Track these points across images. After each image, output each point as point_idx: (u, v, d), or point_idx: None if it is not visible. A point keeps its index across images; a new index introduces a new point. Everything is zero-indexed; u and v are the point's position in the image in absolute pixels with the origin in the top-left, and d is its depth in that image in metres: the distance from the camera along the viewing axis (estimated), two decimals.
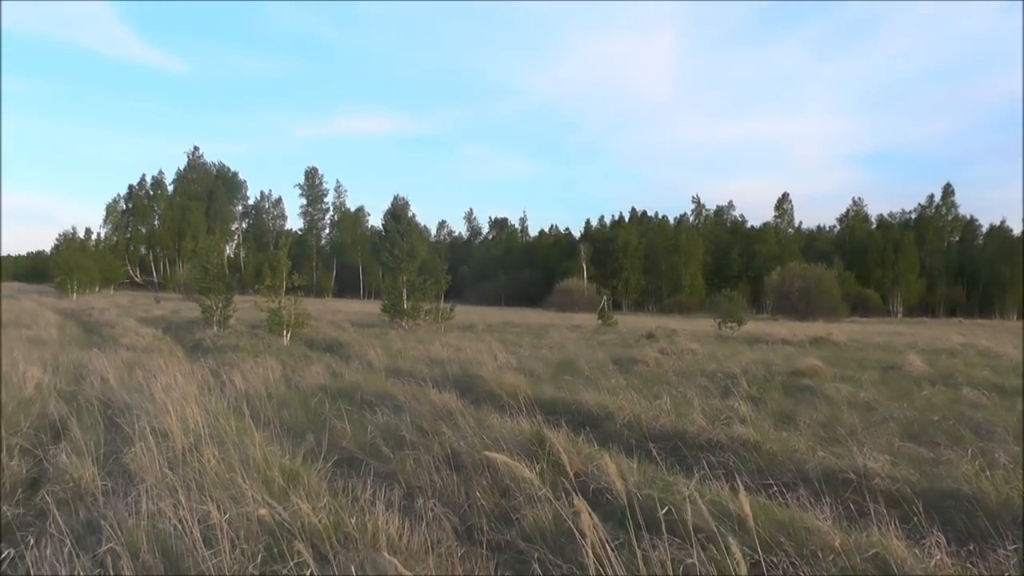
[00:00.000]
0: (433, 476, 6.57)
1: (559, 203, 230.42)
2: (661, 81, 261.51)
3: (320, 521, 4.79)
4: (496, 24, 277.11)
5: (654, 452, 7.56)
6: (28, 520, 5.89)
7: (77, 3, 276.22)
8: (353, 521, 4.88)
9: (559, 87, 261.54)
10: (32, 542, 4.80)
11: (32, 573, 4.42)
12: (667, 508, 4.64)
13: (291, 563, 4.32)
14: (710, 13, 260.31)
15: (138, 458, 6.67)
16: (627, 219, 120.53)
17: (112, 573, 4.32)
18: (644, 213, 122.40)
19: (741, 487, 3.69)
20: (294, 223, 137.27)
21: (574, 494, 3.99)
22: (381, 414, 9.03)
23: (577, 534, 3.78)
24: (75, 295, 71.09)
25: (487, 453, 4.62)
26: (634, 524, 4.36)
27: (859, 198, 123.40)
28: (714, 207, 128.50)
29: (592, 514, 3.60)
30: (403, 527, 4.97)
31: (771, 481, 6.50)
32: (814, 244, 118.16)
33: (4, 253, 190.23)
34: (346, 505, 5.30)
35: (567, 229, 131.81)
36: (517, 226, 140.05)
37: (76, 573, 4.39)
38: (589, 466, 6.54)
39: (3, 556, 4.73)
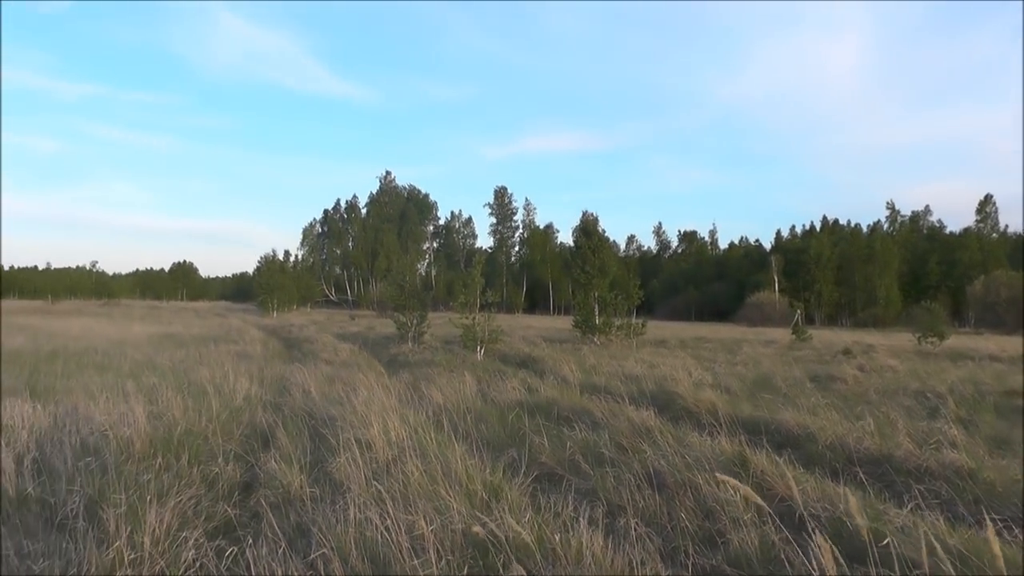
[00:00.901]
0: (634, 495, 6.46)
1: (748, 213, 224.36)
2: (849, 81, 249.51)
3: (525, 537, 4.76)
4: (679, 34, 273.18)
5: (861, 477, 7.12)
6: (244, 521, 6.16)
7: (271, 43, 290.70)
8: (558, 538, 4.83)
9: (744, 93, 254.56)
10: (250, 541, 5.02)
11: (252, 570, 4.60)
12: (886, 540, 4.34)
13: None
14: (899, 5, 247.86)
15: (343, 467, 6.90)
16: (818, 228, 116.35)
17: (323, 574, 4.45)
18: (836, 221, 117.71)
19: (990, 525, 3.29)
20: (484, 241, 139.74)
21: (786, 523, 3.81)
22: (579, 430, 8.99)
23: (786, 563, 3.60)
24: (275, 313, 74.35)
25: (719, 475, 4.45)
26: (846, 556, 4.14)
27: None
28: (909, 212, 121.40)
29: (836, 551, 3.41)
30: (606, 546, 4.90)
31: (995, 516, 5.98)
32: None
33: (212, 275, 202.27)
34: (548, 521, 5.27)
35: (757, 240, 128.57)
36: (706, 238, 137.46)
37: (290, 573, 4.53)
38: (794, 490, 6.28)
39: (227, 553, 4.92)
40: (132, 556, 4.86)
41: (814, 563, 3.59)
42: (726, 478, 4.10)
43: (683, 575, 4.92)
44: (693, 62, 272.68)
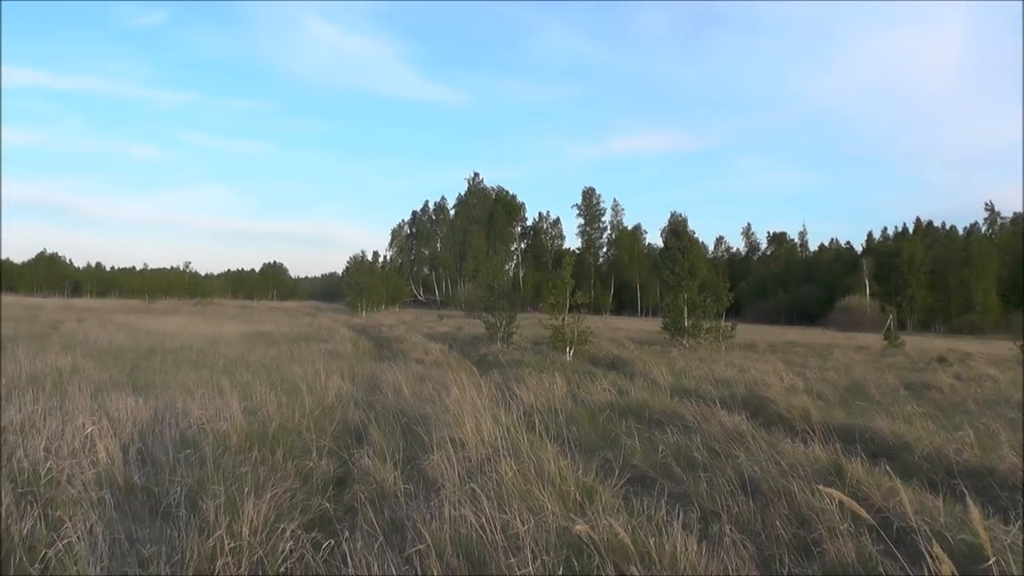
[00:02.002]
0: (728, 500, 6.40)
1: (839, 215, 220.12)
2: (944, 78, 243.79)
3: (623, 538, 4.73)
4: (768, 31, 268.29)
5: (961, 489, 6.81)
6: (339, 515, 6.26)
7: (360, 49, 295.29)
8: (652, 541, 4.79)
9: (836, 91, 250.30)
10: (346, 535, 5.10)
11: (349, 562, 4.68)
12: (992, 559, 4.19)
13: None
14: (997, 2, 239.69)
15: (437, 465, 6.97)
16: (911, 230, 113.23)
17: (420, 571, 4.48)
18: (930, 223, 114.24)
19: None
20: (571, 242, 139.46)
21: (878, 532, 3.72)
22: (670, 433, 8.95)
23: None
24: (364, 312, 75.27)
25: (822, 488, 4.37)
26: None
27: None
28: (1010, 214, 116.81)
29: (954, 568, 3.32)
30: (700, 551, 4.86)
31: None
32: None
33: (302, 275, 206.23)
34: (642, 524, 5.23)
35: (848, 243, 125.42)
36: (796, 240, 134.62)
37: (387, 567, 4.58)
38: (891, 501, 6.13)
39: (323, 546, 5.02)
40: (232, 545, 4.97)
41: None
42: (829, 491, 4.04)
43: None
44: (783, 60, 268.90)
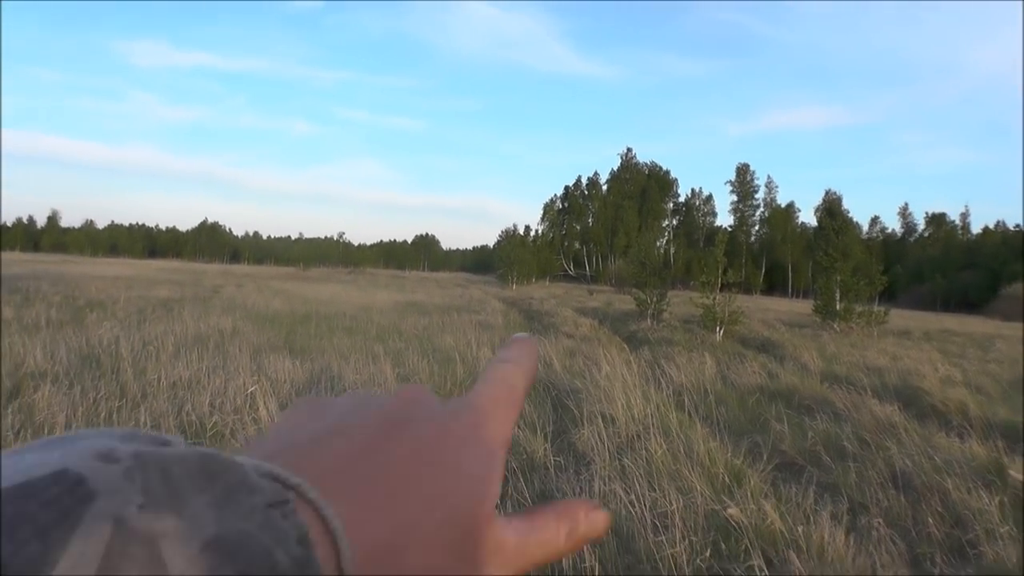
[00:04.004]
0: (878, 493, 6.26)
1: (1007, 195, 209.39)
2: None
3: (773, 524, 4.74)
4: None
5: None
6: None
7: (515, 26, 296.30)
8: (800, 529, 4.77)
9: (1004, 61, 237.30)
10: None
11: None
12: None
13: (741, 564, 4.31)
14: None
15: (586, 439, 7.05)
16: None
17: None
18: None
19: None
20: (723, 219, 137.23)
21: None
22: (820, 420, 8.78)
23: None
24: (515, 285, 75.83)
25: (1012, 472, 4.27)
26: None
27: None
28: None
29: None
30: (848, 543, 4.81)
31: None
32: None
33: (453, 247, 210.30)
34: (790, 511, 5.20)
35: (1017, 225, 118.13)
36: (957, 222, 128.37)
37: None
38: None
39: None
40: None
41: None
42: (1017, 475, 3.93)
43: None
44: (947, 28, 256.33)
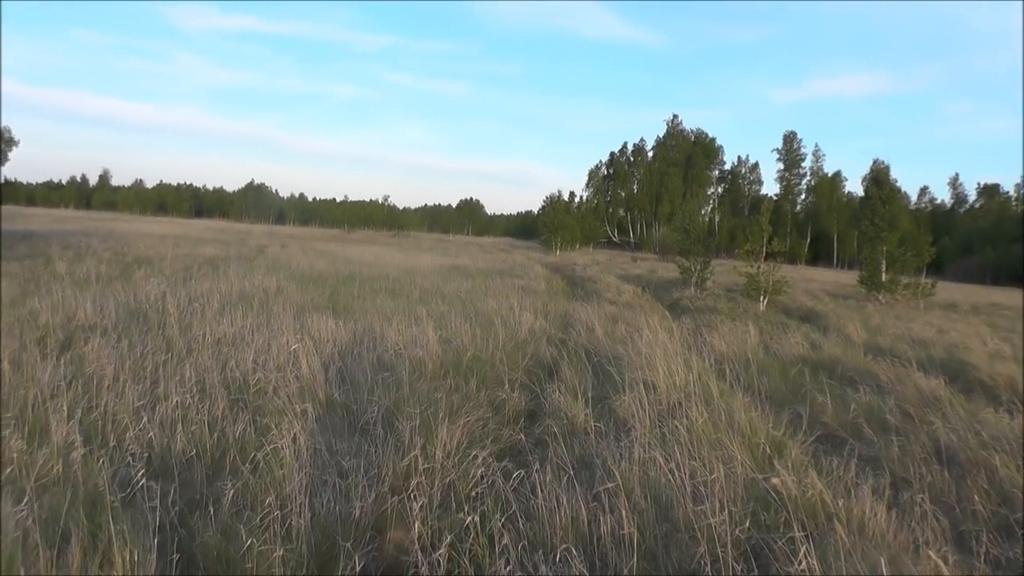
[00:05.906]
0: (921, 468, 6.17)
1: None
2: None
3: (812, 496, 4.69)
4: None
5: None
6: (529, 447, 6.43)
7: None
8: (840, 503, 4.71)
9: None
10: (536, 466, 5.27)
11: (539, 493, 4.83)
12: None
13: (780, 536, 4.27)
14: None
15: (627, 406, 7.04)
16: None
17: (607, 508, 4.59)
18: None
19: None
20: (769, 188, 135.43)
21: None
22: (863, 392, 8.69)
23: None
24: (558, 251, 75.79)
25: None
26: None
27: None
28: None
29: None
30: (889, 518, 4.75)
31: None
32: None
33: (497, 212, 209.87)
34: (831, 484, 5.14)
35: None
36: (1011, 193, 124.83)
37: (575, 502, 4.69)
38: None
39: (513, 475, 5.20)
40: (426, 466, 5.22)
41: None
42: None
43: (974, 563, 4.54)
44: None
